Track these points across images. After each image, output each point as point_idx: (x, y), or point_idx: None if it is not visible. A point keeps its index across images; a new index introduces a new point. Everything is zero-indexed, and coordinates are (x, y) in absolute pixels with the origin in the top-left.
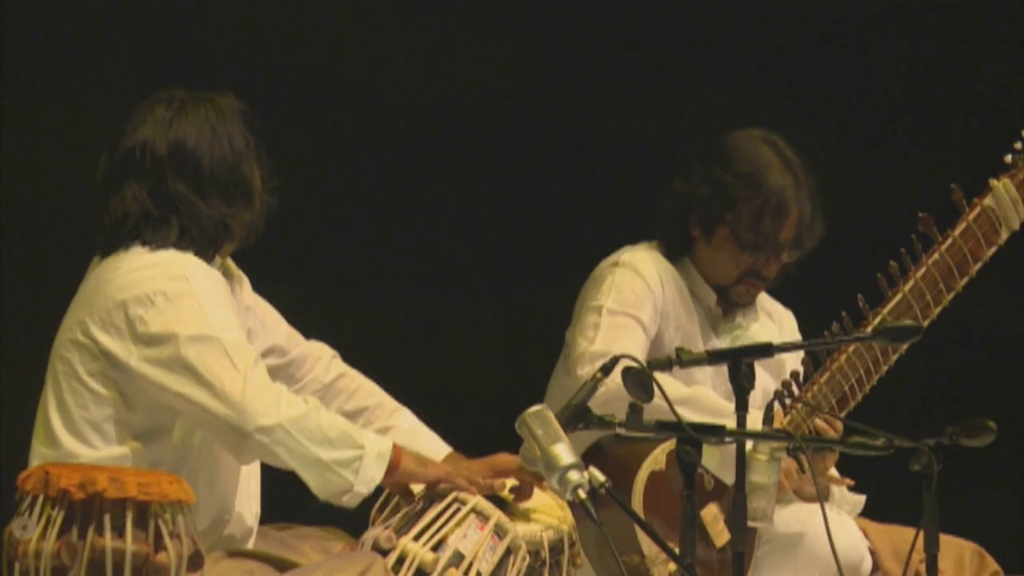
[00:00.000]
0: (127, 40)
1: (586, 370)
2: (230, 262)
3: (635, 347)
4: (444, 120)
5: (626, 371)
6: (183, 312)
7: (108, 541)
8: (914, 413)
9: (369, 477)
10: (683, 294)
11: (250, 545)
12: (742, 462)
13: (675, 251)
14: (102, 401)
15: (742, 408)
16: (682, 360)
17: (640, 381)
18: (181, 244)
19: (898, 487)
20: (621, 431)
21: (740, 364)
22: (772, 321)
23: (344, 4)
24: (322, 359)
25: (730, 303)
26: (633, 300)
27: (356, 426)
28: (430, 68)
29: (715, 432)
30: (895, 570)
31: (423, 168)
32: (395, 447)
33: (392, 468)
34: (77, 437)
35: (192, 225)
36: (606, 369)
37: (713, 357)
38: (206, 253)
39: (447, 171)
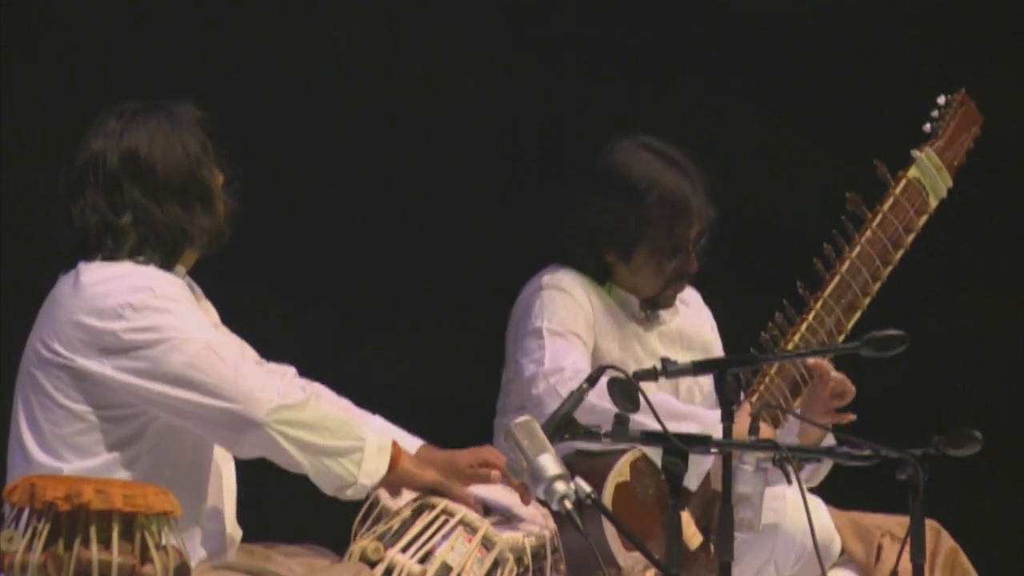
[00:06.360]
0: (127, 47)
1: (542, 388)
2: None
3: (582, 361)
4: (411, 129)
5: (612, 381)
6: (155, 320)
7: (94, 553)
8: (900, 423)
9: (372, 469)
10: (609, 305)
11: (231, 552)
12: (730, 473)
13: (597, 277)
14: (73, 416)
15: (727, 418)
16: (668, 371)
17: (626, 391)
18: (140, 254)
19: (882, 496)
20: (607, 441)
21: (725, 375)
22: (687, 306)
23: (313, 9)
24: (287, 374)
25: (656, 306)
26: (568, 317)
27: (356, 419)
28: (397, 78)
29: (701, 442)
30: (857, 549)
31: (391, 177)
32: (395, 444)
33: (392, 465)
34: (51, 454)
35: (149, 233)
36: (592, 380)
37: (698, 367)
38: (167, 261)
39: (414, 180)
